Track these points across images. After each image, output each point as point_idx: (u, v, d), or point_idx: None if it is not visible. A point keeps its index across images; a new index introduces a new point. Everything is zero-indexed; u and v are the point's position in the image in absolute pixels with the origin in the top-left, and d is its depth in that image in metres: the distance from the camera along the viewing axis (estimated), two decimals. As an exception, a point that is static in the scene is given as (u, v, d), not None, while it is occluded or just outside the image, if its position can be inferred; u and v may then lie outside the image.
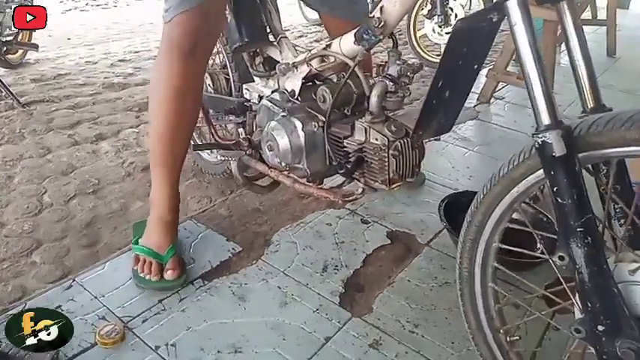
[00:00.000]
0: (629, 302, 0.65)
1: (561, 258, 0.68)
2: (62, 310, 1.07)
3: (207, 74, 1.44)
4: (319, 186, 1.13)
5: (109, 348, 0.99)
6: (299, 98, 1.12)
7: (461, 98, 0.93)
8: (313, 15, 4.41)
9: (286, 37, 1.21)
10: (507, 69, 2.35)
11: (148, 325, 1.05)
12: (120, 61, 3.29)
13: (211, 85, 1.50)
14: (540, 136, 0.64)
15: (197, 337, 1.03)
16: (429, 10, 2.80)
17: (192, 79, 1.15)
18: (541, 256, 0.76)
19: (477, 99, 2.41)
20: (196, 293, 1.14)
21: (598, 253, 0.65)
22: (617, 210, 0.74)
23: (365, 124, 0.98)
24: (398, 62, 0.95)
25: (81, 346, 0.99)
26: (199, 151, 1.67)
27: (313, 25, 4.43)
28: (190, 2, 1.04)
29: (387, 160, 0.96)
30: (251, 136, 1.30)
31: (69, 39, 3.90)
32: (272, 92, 1.19)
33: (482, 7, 2.85)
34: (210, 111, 1.45)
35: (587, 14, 3.45)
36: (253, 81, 1.30)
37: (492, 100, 2.44)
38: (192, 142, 1.38)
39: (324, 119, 1.04)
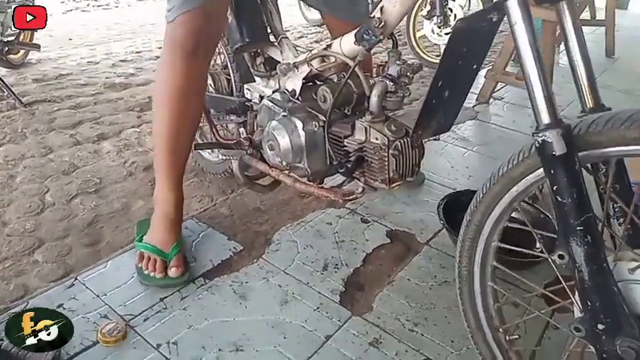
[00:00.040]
0: (629, 301, 0.65)
1: (561, 257, 0.68)
2: (64, 309, 1.07)
3: (208, 74, 1.45)
4: (320, 185, 1.14)
5: (111, 346, 0.99)
6: (300, 98, 1.13)
7: (460, 98, 0.94)
8: (313, 16, 4.42)
9: (287, 38, 1.21)
10: (506, 69, 2.35)
11: (149, 323, 1.05)
12: (121, 61, 3.30)
13: (212, 85, 1.51)
14: (540, 135, 0.65)
15: (198, 336, 1.03)
16: (428, 11, 2.79)
17: (195, 79, 1.16)
18: (540, 255, 0.76)
19: (476, 99, 2.42)
20: (198, 292, 1.15)
21: (598, 252, 0.65)
22: (616, 209, 0.74)
23: (365, 123, 0.98)
24: (398, 62, 0.95)
25: (83, 345, 0.99)
26: (201, 151, 1.67)
27: (313, 25, 4.44)
28: (193, 2, 1.05)
29: (387, 159, 0.96)
30: (252, 135, 1.31)
31: (70, 39, 3.91)
32: (273, 92, 1.20)
33: (481, 7, 2.86)
34: (212, 111, 1.45)
35: (585, 14, 3.46)
36: (254, 81, 1.31)
37: (491, 100, 2.44)
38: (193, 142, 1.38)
39: (324, 119, 1.04)
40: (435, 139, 1.88)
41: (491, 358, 0.87)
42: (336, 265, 1.25)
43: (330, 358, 1.00)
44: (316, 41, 3.96)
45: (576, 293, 0.70)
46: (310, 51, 1.11)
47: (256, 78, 1.30)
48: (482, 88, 2.42)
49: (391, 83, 0.95)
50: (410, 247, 1.34)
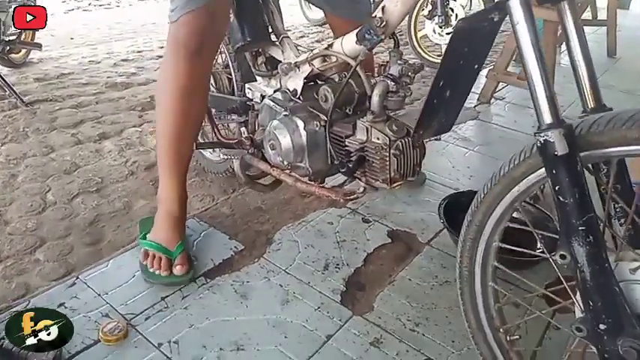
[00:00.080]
0: (631, 301, 0.65)
1: (563, 257, 0.68)
2: (65, 308, 1.08)
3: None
4: (321, 185, 1.14)
5: (112, 345, 0.99)
6: (301, 98, 1.13)
7: (461, 98, 0.94)
8: (315, 15, 4.42)
9: (288, 37, 1.21)
10: (507, 69, 2.35)
11: (150, 322, 1.06)
12: (123, 60, 3.30)
13: (214, 84, 1.51)
14: (542, 135, 0.65)
15: (199, 335, 1.03)
16: (429, 11, 2.80)
17: (198, 78, 1.16)
18: (541, 255, 0.76)
19: (478, 99, 2.42)
20: (199, 291, 1.15)
21: (600, 252, 0.65)
22: (618, 209, 0.74)
23: (366, 123, 0.98)
24: (399, 62, 0.95)
25: (84, 343, 0.99)
26: (202, 150, 1.68)
27: (315, 25, 4.44)
28: (197, 2, 1.05)
29: (388, 159, 0.96)
30: (253, 135, 1.31)
31: (72, 39, 3.91)
32: (274, 92, 1.20)
33: (482, 7, 2.85)
34: (213, 110, 1.45)
35: (587, 14, 3.45)
36: (255, 80, 1.31)
37: (493, 100, 2.44)
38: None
39: (325, 118, 1.04)
40: (436, 139, 1.89)
41: (491, 358, 0.86)
42: (337, 264, 1.26)
43: (331, 357, 1.00)
44: (317, 41, 3.96)
45: (577, 293, 0.70)
46: (311, 50, 1.11)
47: (258, 77, 1.30)
48: (484, 88, 2.42)
49: (392, 83, 0.95)
50: (411, 247, 1.34)
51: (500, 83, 2.43)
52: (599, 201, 0.74)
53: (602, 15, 3.40)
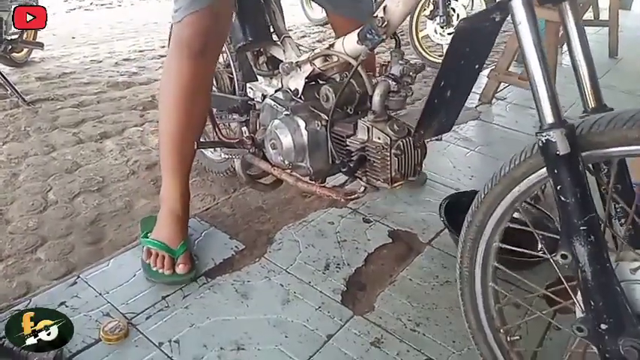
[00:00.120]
0: (631, 301, 0.65)
1: (564, 256, 0.68)
2: (66, 307, 1.08)
3: (211, 73, 1.45)
4: (322, 184, 1.14)
5: (113, 344, 0.99)
6: (302, 97, 1.13)
7: (462, 98, 0.94)
8: (316, 15, 4.43)
9: (290, 37, 1.21)
10: (509, 69, 2.35)
11: (151, 321, 1.06)
12: (124, 60, 3.30)
13: (215, 83, 1.51)
14: (544, 134, 0.65)
15: (200, 334, 1.03)
16: (431, 11, 2.79)
17: (202, 79, 1.17)
18: (542, 255, 0.76)
19: (479, 99, 2.42)
20: (199, 290, 1.15)
21: (601, 252, 0.65)
22: (618, 210, 0.74)
23: (367, 123, 0.98)
24: (400, 62, 0.95)
25: (85, 343, 0.99)
26: (203, 149, 1.68)
27: (316, 25, 4.44)
28: (201, 3, 1.05)
29: (389, 159, 0.96)
30: (254, 134, 1.31)
31: (73, 38, 3.91)
32: (275, 91, 1.20)
33: (484, 7, 2.85)
34: (214, 109, 1.46)
35: (589, 15, 3.45)
36: (257, 80, 1.31)
37: (494, 100, 2.44)
38: (195, 141, 1.39)
39: (327, 118, 1.04)
40: (437, 139, 1.88)
41: (492, 359, 0.86)
42: (338, 264, 1.26)
43: (332, 357, 1.00)
44: (319, 41, 3.96)
45: (578, 293, 0.70)
46: (313, 50, 1.11)
47: (259, 77, 1.30)
48: (485, 88, 2.42)
49: (394, 83, 0.95)
50: (412, 247, 1.34)
51: (502, 83, 2.43)
52: (600, 201, 0.74)
53: (604, 15, 3.39)
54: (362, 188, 1.07)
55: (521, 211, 0.77)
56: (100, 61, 3.25)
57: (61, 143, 2.04)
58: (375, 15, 0.91)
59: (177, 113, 1.17)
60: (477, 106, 2.36)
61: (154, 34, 4.05)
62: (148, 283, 1.16)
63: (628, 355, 0.65)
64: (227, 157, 1.57)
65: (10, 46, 2.75)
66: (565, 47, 0.81)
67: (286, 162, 1.11)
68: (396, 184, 0.99)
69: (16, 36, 2.82)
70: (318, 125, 1.06)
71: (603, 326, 0.66)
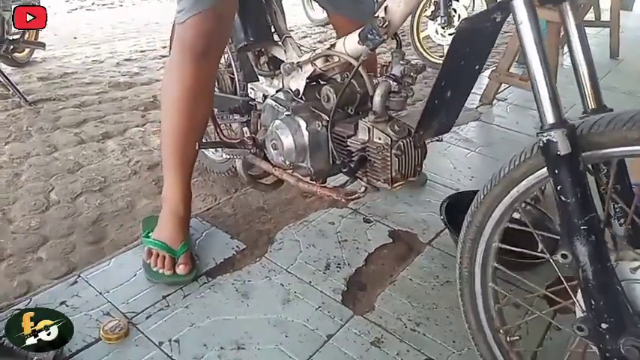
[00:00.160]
0: (632, 300, 0.65)
1: (564, 256, 0.68)
2: (67, 306, 1.08)
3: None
4: (322, 185, 1.14)
5: (113, 343, 1.00)
6: (303, 97, 1.13)
7: (462, 98, 0.94)
8: (317, 16, 4.43)
9: (291, 37, 1.22)
10: (510, 70, 2.35)
11: (151, 321, 1.06)
12: (126, 60, 3.31)
13: (216, 84, 1.51)
14: (545, 134, 0.65)
15: (200, 334, 1.04)
16: (432, 12, 2.79)
17: (204, 80, 1.17)
18: (542, 255, 0.76)
19: (480, 100, 2.42)
20: (200, 290, 1.15)
21: (601, 251, 0.65)
22: (617, 210, 0.74)
23: (368, 123, 0.99)
24: (401, 62, 0.95)
25: (85, 342, 1.00)
26: (204, 150, 1.68)
27: (317, 25, 4.45)
28: (204, 4, 1.05)
29: (389, 159, 0.96)
30: (255, 134, 1.31)
31: (75, 38, 3.92)
32: (276, 91, 1.21)
33: (485, 8, 2.85)
34: (216, 110, 1.46)
35: (590, 16, 3.45)
36: (258, 80, 1.31)
37: (495, 101, 2.44)
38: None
39: (327, 118, 1.05)
40: (437, 140, 1.87)
41: (491, 359, 0.86)
42: (339, 264, 1.26)
43: (332, 357, 1.00)
44: (320, 41, 3.97)
45: (578, 293, 0.70)
46: (314, 50, 1.11)
47: (260, 77, 1.30)
48: (486, 89, 2.42)
49: (394, 83, 0.96)
50: (412, 247, 1.34)
51: (503, 84, 2.43)
52: (599, 201, 0.74)
53: (606, 16, 3.39)
54: (362, 188, 1.07)
55: (521, 211, 0.78)
56: (102, 62, 3.25)
57: (62, 143, 2.04)
58: (376, 15, 0.92)
59: (180, 115, 1.18)
60: (477, 107, 2.36)
61: (155, 34, 4.06)
62: (148, 282, 1.16)
63: (629, 355, 0.65)
64: (228, 157, 1.57)
65: (11, 46, 2.75)
66: (566, 48, 0.81)
67: (287, 162, 1.11)
68: (396, 185, 0.99)
69: (17, 36, 2.83)
70: (319, 125, 1.06)
71: (604, 326, 0.66)
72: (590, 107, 0.77)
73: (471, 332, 0.88)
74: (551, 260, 0.72)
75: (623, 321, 0.65)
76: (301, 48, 1.20)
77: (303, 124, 1.06)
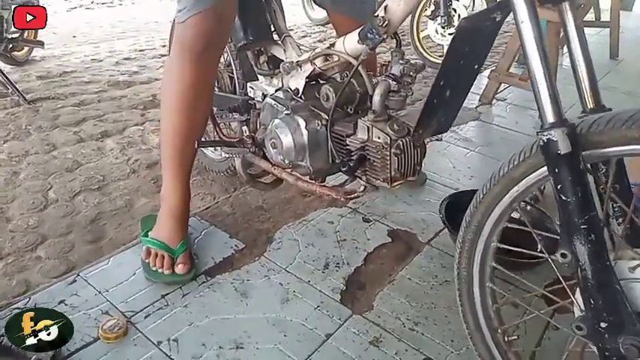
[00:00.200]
0: (630, 299, 0.65)
1: (564, 255, 0.68)
2: (65, 305, 1.08)
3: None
4: (322, 184, 1.14)
5: (112, 342, 0.99)
6: (302, 97, 1.13)
7: (460, 98, 0.94)
8: (317, 15, 4.43)
9: (290, 36, 1.22)
10: (510, 70, 2.35)
11: (150, 320, 1.06)
12: (125, 59, 3.31)
13: (216, 83, 1.51)
14: (545, 133, 0.65)
15: (199, 333, 1.03)
16: (432, 11, 2.81)
17: (204, 79, 1.17)
18: (541, 255, 0.76)
19: (479, 100, 2.42)
20: (199, 289, 1.15)
21: (601, 250, 0.65)
22: (616, 209, 0.74)
23: (367, 122, 0.98)
24: (401, 62, 0.95)
25: (84, 341, 1.00)
26: (203, 149, 1.68)
27: (317, 25, 4.44)
28: (205, 4, 1.04)
29: (388, 158, 0.96)
30: (255, 133, 1.31)
31: (74, 37, 3.92)
32: (276, 90, 1.20)
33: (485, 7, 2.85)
34: (215, 109, 1.46)
35: (590, 16, 3.45)
36: (257, 79, 1.31)
37: (494, 101, 2.44)
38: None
39: (327, 117, 1.05)
40: (437, 140, 1.88)
41: (490, 359, 0.86)
42: (337, 263, 1.26)
43: (331, 356, 1.00)
44: (320, 40, 3.97)
45: (577, 292, 0.70)
46: (314, 50, 1.11)
47: (259, 76, 1.30)
48: (486, 88, 2.42)
49: (394, 82, 0.95)
50: (411, 247, 1.34)
51: (502, 84, 2.43)
52: (597, 201, 0.74)
53: (606, 16, 3.39)
54: (362, 188, 1.07)
55: (520, 211, 0.78)
56: (101, 60, 3.25)
57: (61, 142, 2.04)
58: (375, 14, 0.92)
59: (179, 114, 1.18)
60: (477, 107, 2.36)
61: (154, 33, 4.05)
62: (147, 281, 1.16)
63: (628, 353, 0.65)
64: (227, 156, 1.57)
65: (10, 45, 2.75)
66: (565, 49, 0.81)
67: (286, 161, 1.11)
68: (395, 184, 0.99)
69: (16, 34, 2.83)
70: (318, 124, 1.06)
71: (603, 325, 0.66)
72: (589, 107, 0.77)
73: (469, 332, 0.88)
74: (550, 260, 0.72)
75: (622, 320, 0.65)
76: (301, 47, 1.20)
77: (302, 123, 1.06)
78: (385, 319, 1.09)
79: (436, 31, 3.12)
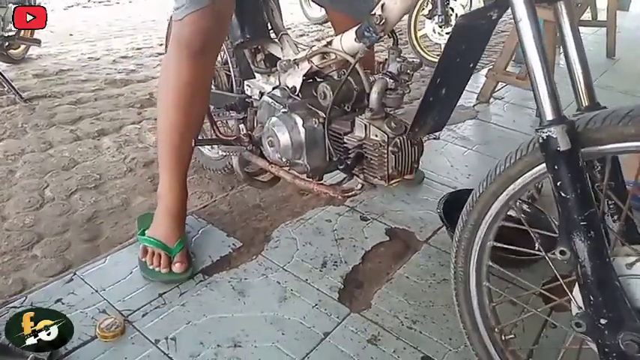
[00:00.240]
0: (629, 295, 0.65)
1: (562, 253, 0.68)
2: (62, 304, 1.08)
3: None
4: (319, 182, 1.14)
5: (109, 341, 0.99)
6: (300, 95, 1.13)
7: (455, 96, 0.94)
8: (315, 14, 4.42)
9: (288, 35, 1.22)
10: (507, 69, 2.36)
11: (148, 318, 1.06)
12: (122, 57, 3.30)
13: (213, 81, 1.51)
14: (545, 130, 0.65)
15: (197, 332, 1.03)
16: (429, 10, 2.80)
17: (201, 79, 1.16)
18: (538, 253, 0.76)
19: (477, 99, 2.42)
20: (196, 288, 1.15)
21: (600, 247, 0.65)
22: (611, 206, 0.74)
23: (365, 120, 0.99)
24: (398, 60, 0.95)
25: (81, 340, 0.99)
26: (200, 147, 1.68)
27: (314, 23, 4.44)
28: (202, 1, 1.04)
29: (386, 156, 0.96)
30: (252, 132, 1.31)
31: (71, 35, 3.90)
32: (273, 88, 1.20)
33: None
34: (212, 107, 1.45)
35: (587, 15, 3.46)
36: (254, 77, 1.31)
37: (492, 99, 2.44)
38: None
39: (324, 116, 1.05)
40: (434, 138, 1.89)
41: (487, 358, 0.86)
42: (335, 262, 1.26)
43: (328, 354, 1.00)
44: (317, 39, 3.96)
45: (575, 290, 0.70)
46: (311, 48, 1.11)
47: (256, 74, 1.30)
48: (483, 87, 2.42)
49: (391, 80, 0.96)
50: (409, 245, 1.34)
51: (500, 83, 2.43)
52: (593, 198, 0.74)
53: (602, 16, 3.40)
54: (359, 186, 1.07)
55: (517, 209, 0.78)
56: (98, 59, 3.24)
57: (58, 140, 2.03)
58: (372, 13, 0.92)
59: (176, 113, 1.17)
60: (474, 106, 2.37)
61: (151, 31, 4.04)
62: (144, 280, 1.16)
63: (628, 350, 0.65)
64: (224, 154, 1.57)
65: (7, 43, 2.74)
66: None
67: (284, 159, 1.11)
68: (393, 182, 1.00)
69: (13, 33, 2.81)
70: (315, 123, 1.06)
71: (603, 321, 0.67)
72: (584, 105, 0.77)
73: (466, 332, 0.88)
74: (547, 258, 0.72)
75: (621, 316, 0.65)
76: (298, 45, 1.20)
77: (299, 121, 1.06)
78: (383, 317, 1.09)
79: (433, 31, 3.12)
